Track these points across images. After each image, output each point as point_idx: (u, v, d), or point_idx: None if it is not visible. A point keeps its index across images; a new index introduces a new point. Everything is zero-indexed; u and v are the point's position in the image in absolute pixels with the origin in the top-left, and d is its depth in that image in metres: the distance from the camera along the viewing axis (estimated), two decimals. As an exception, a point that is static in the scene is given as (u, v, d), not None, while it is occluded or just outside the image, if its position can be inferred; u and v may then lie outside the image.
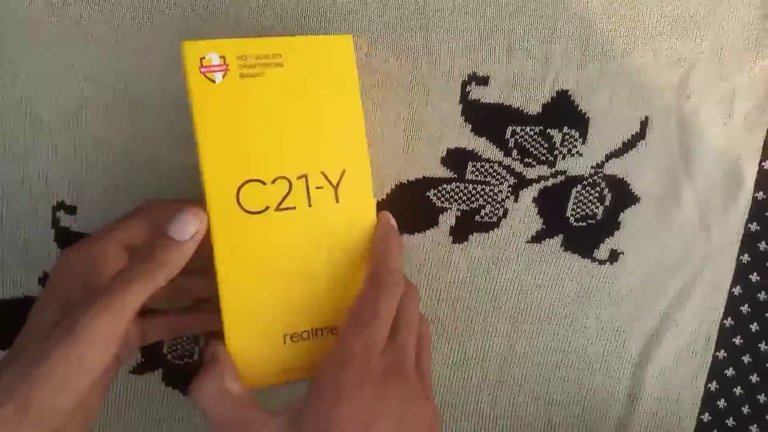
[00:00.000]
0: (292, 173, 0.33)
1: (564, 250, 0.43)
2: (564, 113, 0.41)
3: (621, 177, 0.42)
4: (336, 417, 0.30)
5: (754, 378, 0.44)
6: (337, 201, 0.34)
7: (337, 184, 0.34)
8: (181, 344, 0.42)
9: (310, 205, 0.34)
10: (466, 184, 0.41)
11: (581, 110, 0.41)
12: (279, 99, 0.33)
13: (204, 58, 0.32)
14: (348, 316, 0.33)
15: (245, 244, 0.33)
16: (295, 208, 0.33)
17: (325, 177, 0.34)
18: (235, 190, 0.32)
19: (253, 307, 0.33)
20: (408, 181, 0.41)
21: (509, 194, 0.42)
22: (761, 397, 0.44)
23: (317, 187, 0.34)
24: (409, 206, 0.41)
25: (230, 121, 0.32)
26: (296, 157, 0.33)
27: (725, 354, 0.44)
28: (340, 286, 0.34)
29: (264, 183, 0.33)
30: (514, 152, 0.41)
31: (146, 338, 0.36)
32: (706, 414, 0.45)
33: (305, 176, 0.33)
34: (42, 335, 0.30)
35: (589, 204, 0.42)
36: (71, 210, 0.40)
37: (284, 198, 0.33)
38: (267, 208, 0.33)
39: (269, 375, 0.34)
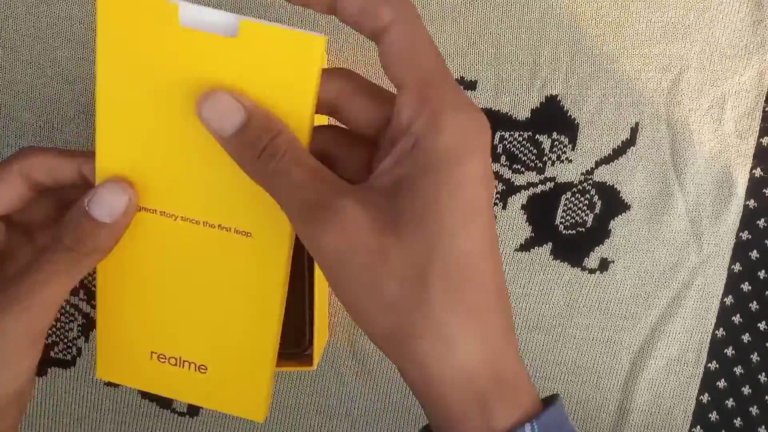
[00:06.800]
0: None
1: (553, 259, 0.42)
2: (553, 119, 0.40)
3: (611, 184, 0.41)
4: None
5: (746, 390, 0.44)
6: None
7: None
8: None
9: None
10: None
11: (570, 116, 0.40)
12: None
13: None
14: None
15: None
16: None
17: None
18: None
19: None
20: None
21: (497, 201, 0.41)
22: (753, 410, 0.44)
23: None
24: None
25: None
26: None
27: (717, 365, 0.43)
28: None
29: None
30: (503, 158, 0.41)
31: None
32: (698, 427, 0.44)
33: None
34: None
35: (579, 211, 0.42)
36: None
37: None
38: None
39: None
